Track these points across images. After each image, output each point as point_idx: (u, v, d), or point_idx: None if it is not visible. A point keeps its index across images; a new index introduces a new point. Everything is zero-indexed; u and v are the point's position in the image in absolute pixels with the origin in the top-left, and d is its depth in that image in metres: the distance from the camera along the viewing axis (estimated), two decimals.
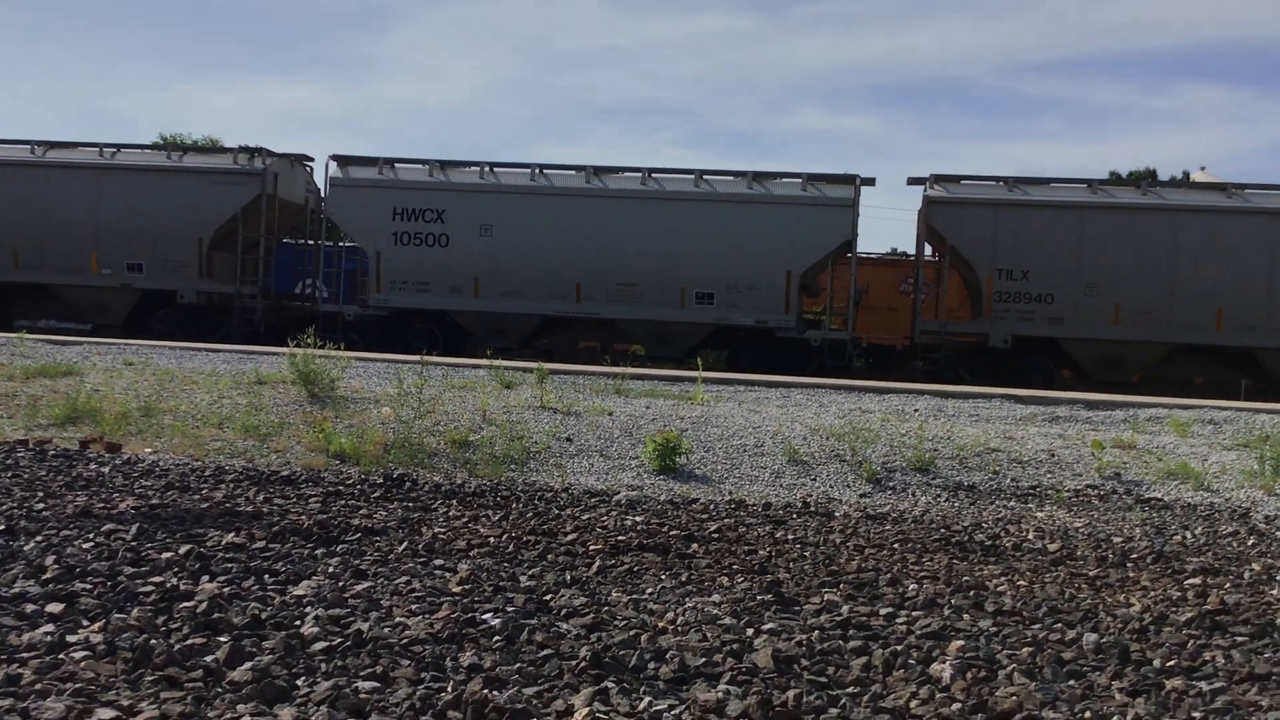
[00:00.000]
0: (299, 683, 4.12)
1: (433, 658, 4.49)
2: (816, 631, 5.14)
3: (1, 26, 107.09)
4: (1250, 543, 7.97)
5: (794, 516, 8.37)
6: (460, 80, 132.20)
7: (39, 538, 6.09)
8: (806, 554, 6.98)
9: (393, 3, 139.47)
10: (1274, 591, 6.38)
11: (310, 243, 25.56)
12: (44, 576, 5.28)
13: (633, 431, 10.93)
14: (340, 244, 24.85)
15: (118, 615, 4.74)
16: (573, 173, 22.00)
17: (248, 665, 4.20)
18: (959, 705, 4.22)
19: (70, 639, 4.39)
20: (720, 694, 4.22)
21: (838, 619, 5.37)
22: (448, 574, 5.92)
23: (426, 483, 8.95)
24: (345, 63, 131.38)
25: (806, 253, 21.10)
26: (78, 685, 3.91)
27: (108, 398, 11.26)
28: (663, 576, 6.15)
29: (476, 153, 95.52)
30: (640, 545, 6.90)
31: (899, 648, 4.92)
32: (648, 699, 4.15)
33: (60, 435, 9.98)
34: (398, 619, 4.99)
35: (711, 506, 8.63)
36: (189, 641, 4.43)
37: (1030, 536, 7.93)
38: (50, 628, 4.51)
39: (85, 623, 4.64)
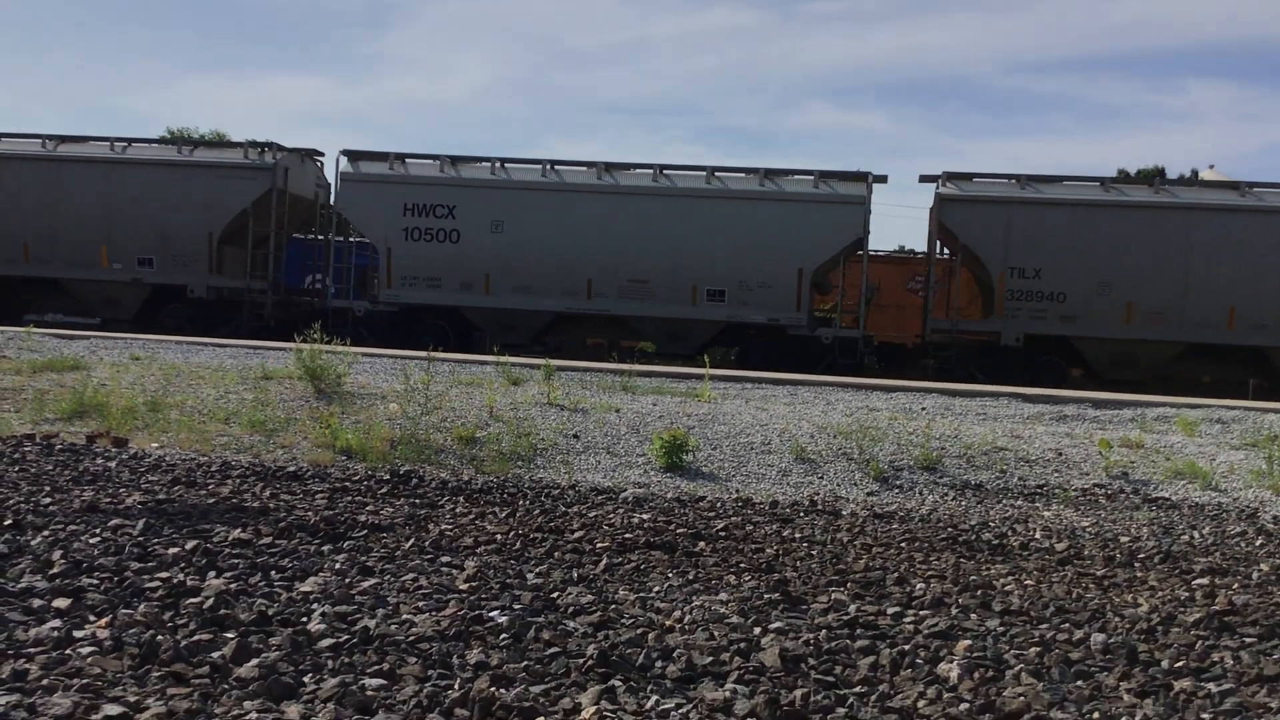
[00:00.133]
0: (306, 680, 4.11)
1: (440, 655, 4.49)
2: (824, 630, 5.13)
3: (6, 24, 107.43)
4: (1259, 543, 7.93)
5: (801, 515, 8.35)
6: (467, 76, 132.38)
7: (46, 532, 6.10)
8: (814, 552, 6.96)
9: None
10: None
11: (320, 238, 25.61)
12: (51, 571, 5.29)
13: (640, 429, 10.93)
14: (350, 239, 24.88)
15: (124, 611, 4.74)
16: (584, 169, 21.99)
17: (254, 662, 4.20)
18: (967, 705, 4.20)
19: (77, 634, 4.39)
20: (727, 693, 4.20)
21: (845, 618, 5.35)
22: (454, 571, 5.91)
23: (433, 479, 8.95)
24: (351, 59, 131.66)
25: (818, 250, 21.07)
26: (84, 681, 3.91)
27: (114, 392, 11.29)
28: (670, 575, 6.14)
29: (483, 148, 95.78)
30: (647, 543, 6.89)
31: (906, 647, 4.90)
32: (655, 698, 4.14)
33: (67, 430, 10.00)
34: (405, 616, 4.99)
35: (718, 504, 8.62)
36: (196, 638, 4.43)
37: (1038, 536, 7.90)
38: (57, 623, 4.51)
39: (92, 618, 4.64)
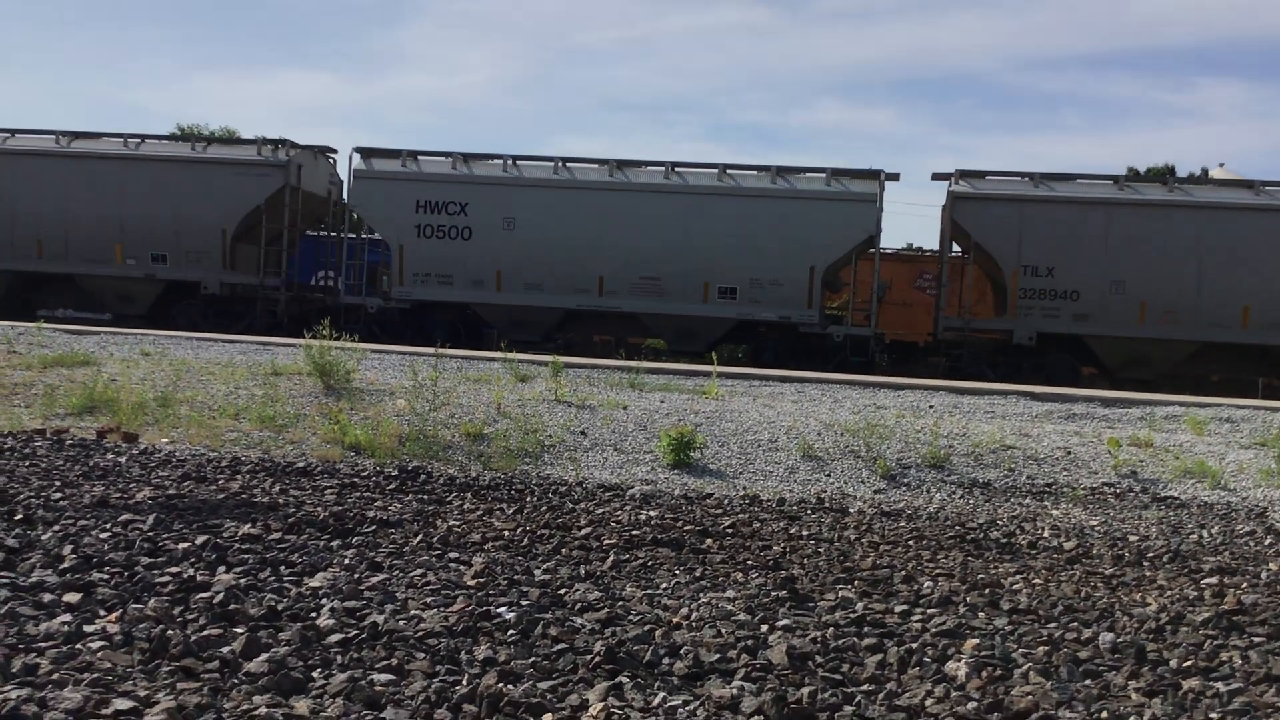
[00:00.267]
0: (315, 675, 4.13)
1: (448, 651, 4.50)
2: (831, 628, 5.13)
3: (17, 19, 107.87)
4: (1267, 542, 7.91)
5: (808, 512, 8.35)
6: (476, 73, 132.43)
7: (56, 527, 6.13)
8: (821, 550, 6.96)
9: None
10: None
11: (332, 235, 25.67)
12: (61, 566, 5.31)
13: (647, 426, 10.93)
14: (362, 236, 24.94)
15: (135, 606, 4.77)
16: (596, 166, 21.98)
17: (264, 657, 4.22)
18: (974, 704, 4.20)
19: (87, 629, 4.42)
20: (734, 690, 4.21)
21: (852, 616, 5.35)
22: (462, 567, 5.93)
23: (441, 475, 8.97)
24: (361, 56, 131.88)
25: (830, 248, 21.05)
26: (95, 675, 3.93)
27: (124, 388, 11.34)
28: (677, 572, 6.15)
29: (492, 145, 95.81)
30: (654, 540, 6.90)
31: (914, 645, 4.90)
32: (662, 694, 4.15)
33: (77, 425, 10.05)
34: (413, 612, 5.01)
35: (726, 502, 8.62)
36: (205, 632, 4.45)
37: (1046, 534, 7.89)
38: (67, 617, 4.54)
39: (102, 613, 4.66)
